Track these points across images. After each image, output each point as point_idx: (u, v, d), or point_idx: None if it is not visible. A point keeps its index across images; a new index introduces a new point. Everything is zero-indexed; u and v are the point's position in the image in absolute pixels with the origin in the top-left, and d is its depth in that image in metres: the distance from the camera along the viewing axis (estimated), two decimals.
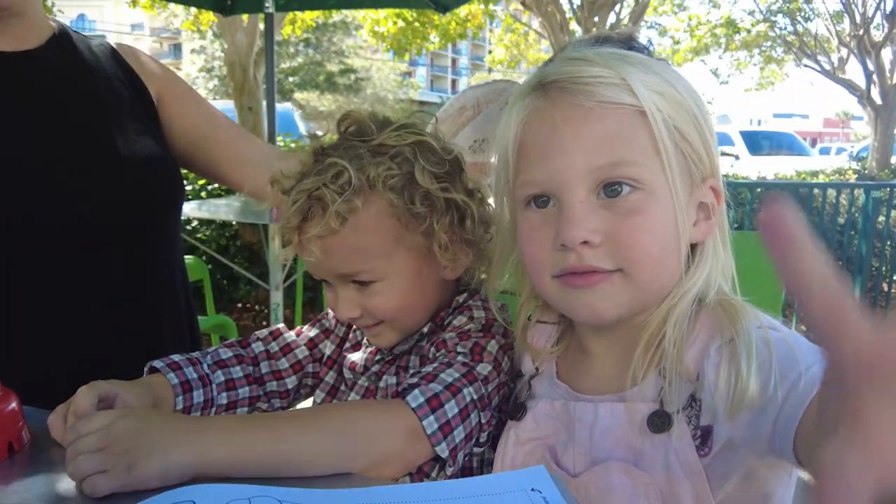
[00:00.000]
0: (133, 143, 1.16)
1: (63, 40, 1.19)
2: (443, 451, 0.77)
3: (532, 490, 0.65)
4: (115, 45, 1.27)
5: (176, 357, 0.94)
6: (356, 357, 1.01)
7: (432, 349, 0.90)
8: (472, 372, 0.83)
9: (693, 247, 0.77)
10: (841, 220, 5.23)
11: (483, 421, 0.83)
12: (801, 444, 0.58)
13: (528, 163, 0.75)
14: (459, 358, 0.84)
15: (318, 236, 0.84)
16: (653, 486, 0.70)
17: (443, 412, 0.78)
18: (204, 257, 4.26)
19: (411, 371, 0.92)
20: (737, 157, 11.90)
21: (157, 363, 0.92)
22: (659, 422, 0.72)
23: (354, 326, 1.05)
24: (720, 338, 0.72)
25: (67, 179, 1.08)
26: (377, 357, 0.99)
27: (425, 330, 0.94)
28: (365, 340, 1.02)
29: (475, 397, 0.81)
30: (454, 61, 53.57)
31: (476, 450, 0.89)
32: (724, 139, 12.51)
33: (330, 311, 1.09)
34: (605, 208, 0.71)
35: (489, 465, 0.92)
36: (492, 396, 0.85)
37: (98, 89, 1.17)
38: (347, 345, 1.05)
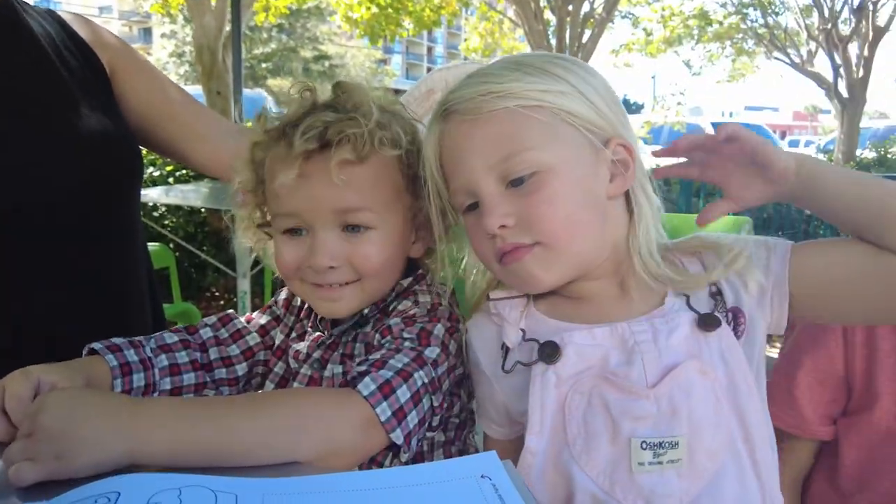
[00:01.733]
0: (87, 118, 1.10)
1: (6, 8, 1.11)
2: (398, 437, 0.76)
3: (482, 477, 0.64)
4: (62, 15, 1.21)
5: (117, 340, 0.90)
6: (300, 346, 0.99)
7: (377, 336, 0.88)
8: (420, 356, 0.82)
9: (627, 199, 0.88)
10: (807, 210, 5.31)
11: (435, 405, 0.82)
12: None
13: (449, 178, 0.88)
14: (407, 344, 0.83)
15: (345, 161, 0.84)
16: (719, 383, 0.80)
17: (395, 398, 0.76)
18: (171, 245, 4.17)
19: (357, 359, 0.89)
20: None
21: (96, 345, 0.88)
22: (709, 320, 0.82)
23: (302, 315, 1.02)
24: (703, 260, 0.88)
25: (20, 159, 1.02)
26: (319, 343, 0.96)
27: (366, 311, 0.93)
28: (309, 328, 0.99)
29: (426, 381, 0.80)
30: (430, 49, 53.35)
31: (428, 434, 0.88)
32: (696, 131, 12.67)
33: (279, 297, 1.06)
34: (515, 195, 0.82)
35: (440, 447, 0.92)
36: (442, 380, 0.84)
37: (48, 61, 1.11)
38: (294, 334, 1.03)
